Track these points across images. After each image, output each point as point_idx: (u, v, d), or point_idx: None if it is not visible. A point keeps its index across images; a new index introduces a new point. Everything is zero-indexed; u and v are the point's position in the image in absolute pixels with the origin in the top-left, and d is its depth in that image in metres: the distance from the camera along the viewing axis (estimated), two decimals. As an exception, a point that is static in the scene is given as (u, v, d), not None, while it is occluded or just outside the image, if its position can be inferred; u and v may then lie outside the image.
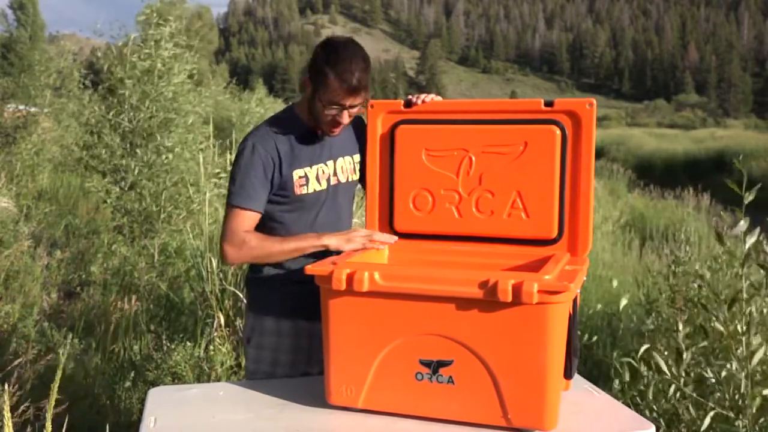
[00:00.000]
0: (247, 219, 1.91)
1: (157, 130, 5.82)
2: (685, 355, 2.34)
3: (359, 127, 2.08)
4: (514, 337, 1.48)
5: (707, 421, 2.11)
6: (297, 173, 1.93)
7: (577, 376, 1.81)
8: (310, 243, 1.88)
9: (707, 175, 19.93)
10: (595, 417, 1.64)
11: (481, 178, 1.85)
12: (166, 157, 5.77)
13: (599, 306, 4.08)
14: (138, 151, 5.76)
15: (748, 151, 20.97)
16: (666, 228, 9.06)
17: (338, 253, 1.85)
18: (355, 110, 1.90)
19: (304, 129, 1.96)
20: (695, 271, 2.95)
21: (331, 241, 1.87)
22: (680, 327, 2.34)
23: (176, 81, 5.90)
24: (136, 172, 5.66)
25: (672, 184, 15.02)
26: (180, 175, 5.78)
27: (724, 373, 2.23)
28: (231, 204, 1.92)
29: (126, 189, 5.81)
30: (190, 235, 4.50)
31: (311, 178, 1.95)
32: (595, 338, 3.07)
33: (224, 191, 5.58)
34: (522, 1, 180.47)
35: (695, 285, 2.87)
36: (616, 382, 2.55)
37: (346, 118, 1.88)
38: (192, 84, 6.37)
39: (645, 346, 2.41)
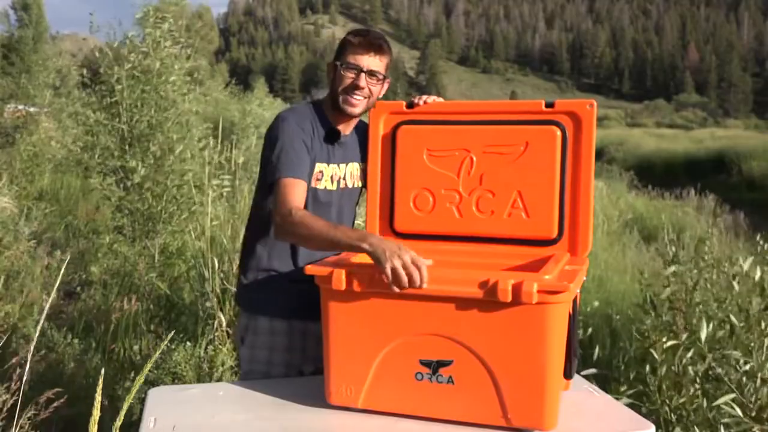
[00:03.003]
0: (295, 188, 1.82)
1: (155, 130, 5.81)
2: (708, 357, 2.38)
3: (366, 135, 2.08)
4: (514, 337, 1.48)
5: (723, 399, 2.13)
6: (319, 166, 1.94)
7: (577, 376, 1.81)
8: (350, 242, 1.62)
9: (707, 175, 19.91)
10: (595, 417, 1.64)
11: (481, 178, 1.85)
12: (171, 158, 5.76)
13: (596, 303, 4.08)
14: (149, 153, 5.74)
15: (748, 151, 20.97)
16: (665, 228, 9.04)
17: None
18: (373, 81, 1.91)
19: (328, 126, 1.98)
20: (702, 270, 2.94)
21: (374, 248, 1.55)
22: (704, 326, 2.36)
23: (173, 79, 5.87)
24: (143, 172, 5.64)
25: (672, 184, 15.01)
26: (183, 175, 5.77)
27: (747, 367, 2.25)
28: (278, 177, 1.83)
29: (130, 189, 5.79)
30: (192, 236, 4.51)
31: (326, 175, 1.97)
32: (590, 330, 3.08)
33: (224, 192, 5.59)
34: (522, 1, 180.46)
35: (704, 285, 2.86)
36: (631, 375, 2.57)
37: (363, 82, 1.90)
38: (191, 83, 6.34)
39: (672, 342, 2.43)
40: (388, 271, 1.49)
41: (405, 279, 1.49)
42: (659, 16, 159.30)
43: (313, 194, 1.95)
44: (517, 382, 1.50)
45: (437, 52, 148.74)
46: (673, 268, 2.71)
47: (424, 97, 1.96)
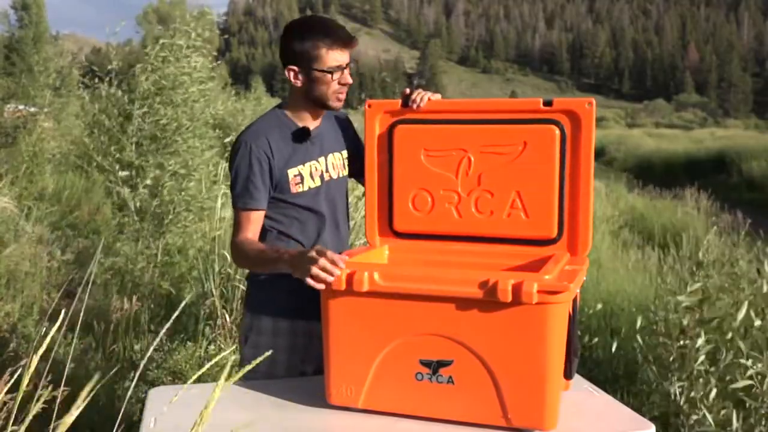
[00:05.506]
0: (250, 220, 1.93)
1: (169, 133, 5.80)
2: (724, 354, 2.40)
3: (343, 123, 2.13)
4: (514, 337, 1.48)
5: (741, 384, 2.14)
6: (291, 172, 1.95)
7: (577, 376, 1.81)
8: (273, 261, 1.79)
9: (707, 175, 19.88)
10: (595, 417, 1.64)
11: (480, 178, 1.84)
12: (188, 162, 5.77)
13: (599, 306, 4.07)
14: (168, 155, 5.73)
15: (748, 151, 20.95)
16: (665, 228, 9.05)
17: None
18: (348, 71, 1.96)
19: (294, 127, 1.98)
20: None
21: (291, 265, 1.68)
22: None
23: (192, 89, 5.87)
24: (160, 169, 5.63)
25: (672, 184, 14.99)
26: (193, 173, 5.78)
27: (759, 367, 2.26)
28: (236, 207, 1.94)
29: (139, 188, 5.77)
30: (198, 236, 4.51)
31: (305, 175, 1.97)
32: (596, 340, 3.07)
33: (228, 192, 5.58)
34: (522, 1, 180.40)
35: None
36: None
37: (349, 77, 1.95)
38: (204, 89, 6.30)
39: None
40: (310, 281, 1.57)
41: (328, 278, 1.56)
42: (659, 16, 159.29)
43: (295, 200, 1.96)
44: (518, 382, 1.49)
45: (437, 52, 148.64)
46: (697, 284, 2.69)
47: (421, 93, 1.88)
